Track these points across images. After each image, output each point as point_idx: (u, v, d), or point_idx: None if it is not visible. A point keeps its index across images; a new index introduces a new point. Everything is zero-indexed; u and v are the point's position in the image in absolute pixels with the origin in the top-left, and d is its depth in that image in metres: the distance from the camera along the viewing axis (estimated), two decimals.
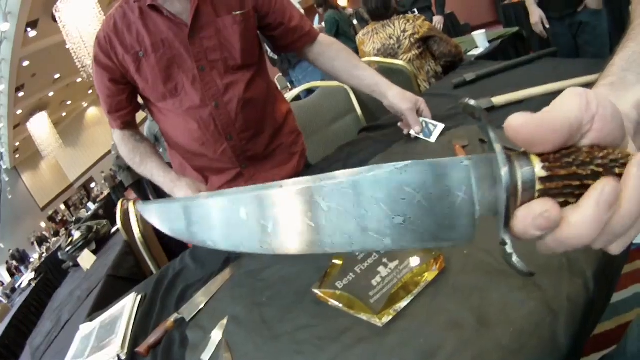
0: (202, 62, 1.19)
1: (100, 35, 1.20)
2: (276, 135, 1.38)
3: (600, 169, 0.27)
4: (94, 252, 2.75)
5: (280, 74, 4.14)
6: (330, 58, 1.36)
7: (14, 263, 11.98)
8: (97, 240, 2.87)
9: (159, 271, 1.28)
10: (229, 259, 1.07)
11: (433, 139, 1.20)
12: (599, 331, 1.37)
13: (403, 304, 0.60)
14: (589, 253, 0.57)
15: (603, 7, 2.58)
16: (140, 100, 1.34)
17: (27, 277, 6.64)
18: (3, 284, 10.55)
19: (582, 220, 0.27)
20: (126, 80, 1.23)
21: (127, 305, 1.16)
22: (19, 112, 14.42)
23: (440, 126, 1.22)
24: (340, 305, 0.64)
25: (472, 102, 0.30)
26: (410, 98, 1.26)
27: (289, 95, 2.34)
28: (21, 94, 13.34)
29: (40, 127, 15.85)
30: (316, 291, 0.69)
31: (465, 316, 0.56)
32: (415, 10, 4.27)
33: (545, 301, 0.53)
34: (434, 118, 1.29)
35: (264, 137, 1.33)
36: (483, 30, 2.94)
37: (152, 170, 1.27)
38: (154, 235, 1.99)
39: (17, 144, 17.19)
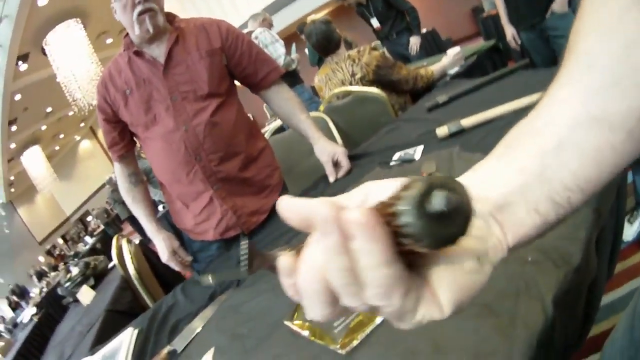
0: (175, 93, 1.40)
1: (99, 82, 1.46)
2: (249, 165, 1.51)
3: None
4: (93, 287, 2.79)
5: (266, 103, 4.26)
6: (277, 105, 1.60)
7: (14, 298, 11.87)
8: (95, 276, 2.91)
9: (153, 306, 1.35)
10: (214, 293, 1.14)
11: (417, 156, 1.27)
12: (596, 332, 1.36)
13: (364, 334, 0.67)
14: (549, 275, 0.58)
15: (569, 9, 2.65)
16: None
17: (28, 312, 6.60)
18: (5, 319, 10.45)
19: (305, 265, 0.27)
20: (117, 118, 1.46)
21: (125, 340, 1.22)
22: (13, 145, 14.43)
23: (420, 148, 1.30)
24: (308, 334, 0.71)
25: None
26: (328, 152, 1.50)
27: (272, 125, 2.39)
28: (14, 128, 13.36)
29: (34, 161, 15.87)
30: (287, 323, 0.76)
31: (422, 344, 0.58)
32: (394, 34, 4.36)
33: (500, 328, 0.54)
34: (407, 144, 1.37)
35: (235, 162, 1.46)
36: (457, 48, 2.96)
37: (139, 215, 1.55)
38: (149, 270, 2.04)
39: (12, 177, 17.17)
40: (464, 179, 0.32)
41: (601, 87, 0.29)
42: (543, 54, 2.89)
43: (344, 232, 0.24)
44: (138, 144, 1.62)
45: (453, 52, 2.75)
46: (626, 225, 1.81)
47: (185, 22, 1.48)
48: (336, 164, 1.51)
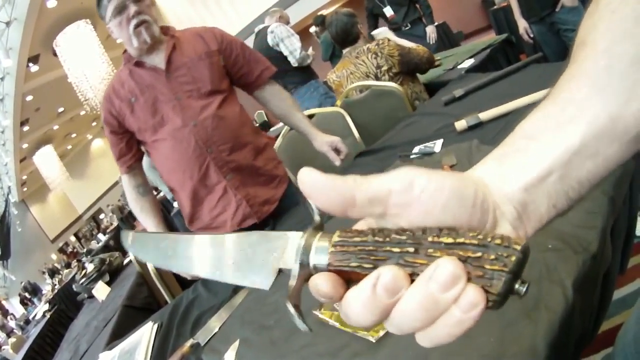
0: (179, 94, 1.46)
1: (104, 98, 1.53)
2: (258, 155, 1.59)
3: (412, 248, 0.27)
4: (108, 283, 2.81)
5: None
6: (274, 105, 1.69)
7: (26, 295, 11.98)
8: (111, 272, 2.93)
9: (173, 300, 1.36)
10: (238, 286, 1.14)
11: (437, 149, 1.28)
12: (607, 327, 1.37)
13: None
14: (569, 262, 0.60)
15: (579, 2, 2.66)
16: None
17: (41, 308, 6.66)
18: (15, 316, 10.57)
19: (355, 299, 0.27)
20: (123, 129, 1.52)
21: (145, 334, 1.23)
22: (25, 146, 14.57)
23: (439, 141, 1.31)
24: (338, 325, 0.71)
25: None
26: (327, 142, 1.63)
27: None
28: (26, 128, 13.49)
29: (47, 160, 16.00)
30: (316, 313, 0.76)
31: None
32: (409, 24, 4.33)
33: (524, 311, 0.56)
34: (426, 137, 1.38)
35: (245, 151, 1.53)
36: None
37: (148, 224, 1.56)
38: None
39: (24, 177, 17.34)
40: (490, 168, 0.32)
41: (619, 89, 0.29)
42: (553, 47, 2.91)
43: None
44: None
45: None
46: (638, 220, 1.80)
47: (180, 32, 1.58)
48: (337, 152, 1.62)
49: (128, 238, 0.46)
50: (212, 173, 1.49)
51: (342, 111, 2.13)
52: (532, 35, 2.98)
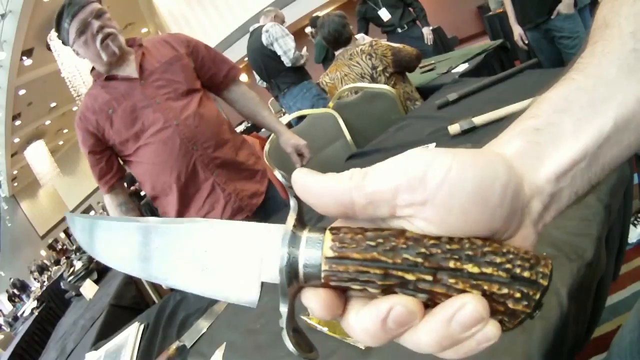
0: (157, 98, 1.47)
1: (77, 119, 1.51)
2: (239, 151, 1.62)
3: (420, 262, 0.24)
4: (96, 281, 2.79)
5: (273, 99, 4.28)
6: (241, 105, 1.74)
7: (15, 291, 11.88)
8: (99, 270, 2.91)
9: (160, 301, 1.34)
10: None
11: None
12: (598, 334, 1.36)
13: None
14: (564, 270, 0.59)
15: (575, 10, 2.68)
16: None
17: (29, 305, 6.60)
18: (3, 313, 10.47)
19: (360, 327, 0.25)
20: (102, 147, 1.51)
21: (131, 334, 1.21)
22: (16, 140, 14.45)
23: (432, 145, 1.30)
24: (326, 330, 0.70)
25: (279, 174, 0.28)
26: (292, 144, 1.71)
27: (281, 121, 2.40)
28: (18, 123, 13.38)
29: (38, 155, 15.85)
30: (304, 318, 0.75)
31: None
32: (405, 25, 4.33)
33: None
34: (419, 140, 1.37)
35: (227, 149, 1.56)
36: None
37: None
38: None
39: (15, 172, 17.18)
40: (521, 148, 0.28)
41: None
42: (548, 54, 2.93)
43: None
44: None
45: None
46: (631, 227, 1.81)
47: (146, 41, 1.60)
48: (300, 155, 1.71)
49: (75, 227, 0.35)
50: (199, 171, 1.51)
51: (334, 113, 2.13)
52: (526, 42, 2.99)
